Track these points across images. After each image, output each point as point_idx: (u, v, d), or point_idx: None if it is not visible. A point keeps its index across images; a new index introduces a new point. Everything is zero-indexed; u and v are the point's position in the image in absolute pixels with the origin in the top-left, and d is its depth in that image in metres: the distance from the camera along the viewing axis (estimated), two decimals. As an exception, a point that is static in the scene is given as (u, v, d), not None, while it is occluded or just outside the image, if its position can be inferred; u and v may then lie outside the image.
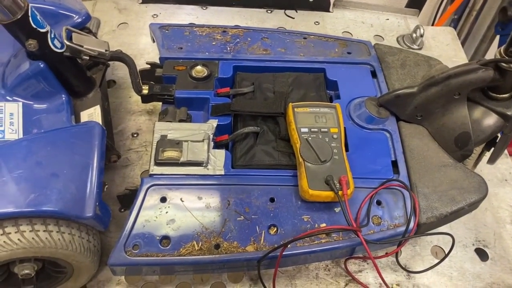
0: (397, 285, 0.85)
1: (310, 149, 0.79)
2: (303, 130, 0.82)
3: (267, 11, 1.37)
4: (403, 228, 0.77)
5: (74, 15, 0.93)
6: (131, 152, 1.00)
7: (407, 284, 0.86)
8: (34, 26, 0.75)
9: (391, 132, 0.87)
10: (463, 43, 1.99)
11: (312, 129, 0.82)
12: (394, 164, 0.84)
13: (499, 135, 0.86)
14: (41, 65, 0.79)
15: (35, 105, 0.82)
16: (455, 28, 1.96)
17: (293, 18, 1.36)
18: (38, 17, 0.75)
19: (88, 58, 0.84)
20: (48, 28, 0.77)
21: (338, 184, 0.75)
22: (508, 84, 0.79)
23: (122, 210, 0.91)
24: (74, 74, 0.86)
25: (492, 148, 0.90)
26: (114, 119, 1.05)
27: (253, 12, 1.36)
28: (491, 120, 0.82)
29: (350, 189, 0.75)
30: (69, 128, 0.78)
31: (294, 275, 0.86)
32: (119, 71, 1.15)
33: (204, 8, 1.35)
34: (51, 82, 0.82)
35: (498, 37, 1.57)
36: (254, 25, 1.32)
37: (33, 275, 0.73)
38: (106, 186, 0.85)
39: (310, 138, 0.81)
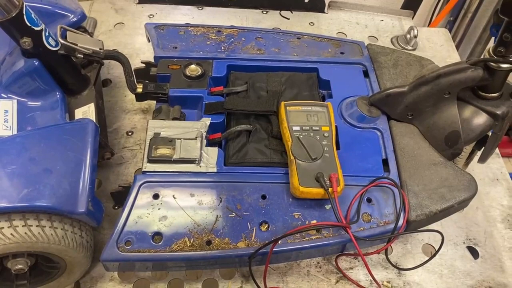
0: (388, 282, 0.86)
1: (301, 147, 0.80)
2: (295, 128, 0.83)
3: (262, 11, 1.38)
4: (392, 225, 0.78)
5: (70, 14, 0.94)
6: (126, 150, 1.01)
7: (398, 281, 0.87)
8: (29, 24, 0.75)
9: (382, 130, 0.88)
10: (458, 45, 2.00)
11: (303, 128, 0.83)
12: (385, 162, 0.85)
13: (489, 134, 0.87)
14: (36, 63, 0.80)
15: (29, 103, 0.82)
16: (450, 29, 1.98)
17: (288, 19, 1.37)
18: (33, 15, 0.76)
19: (82, 56, 0.85)
20: (42, 26, 0.78)
21: (328, 181, 0.75)
22: (497, 84, 0.80)
23: (116, 207, 0.92)
24: (68, 72, 0.87)
25: (483, 147, 0.91)
26: (109, 118, 1.06)
27: (249, 12, 1.37)
28: (480, 119, 0.83)
29: (340, 186, 0.75)
30: (62, 125, 0.79)
31: (285, 272, 0.87)
32: (114, 70, 1.16)
33: (200, 8, 1.36)
34: (46, 80, 0.82)
35: (493, 38, 1.58)
36: (250, 26, 1.32)
37: (26, 270, 0.74)
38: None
39: (301, 136, 0.82)
